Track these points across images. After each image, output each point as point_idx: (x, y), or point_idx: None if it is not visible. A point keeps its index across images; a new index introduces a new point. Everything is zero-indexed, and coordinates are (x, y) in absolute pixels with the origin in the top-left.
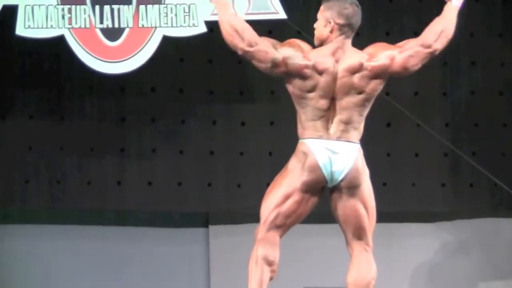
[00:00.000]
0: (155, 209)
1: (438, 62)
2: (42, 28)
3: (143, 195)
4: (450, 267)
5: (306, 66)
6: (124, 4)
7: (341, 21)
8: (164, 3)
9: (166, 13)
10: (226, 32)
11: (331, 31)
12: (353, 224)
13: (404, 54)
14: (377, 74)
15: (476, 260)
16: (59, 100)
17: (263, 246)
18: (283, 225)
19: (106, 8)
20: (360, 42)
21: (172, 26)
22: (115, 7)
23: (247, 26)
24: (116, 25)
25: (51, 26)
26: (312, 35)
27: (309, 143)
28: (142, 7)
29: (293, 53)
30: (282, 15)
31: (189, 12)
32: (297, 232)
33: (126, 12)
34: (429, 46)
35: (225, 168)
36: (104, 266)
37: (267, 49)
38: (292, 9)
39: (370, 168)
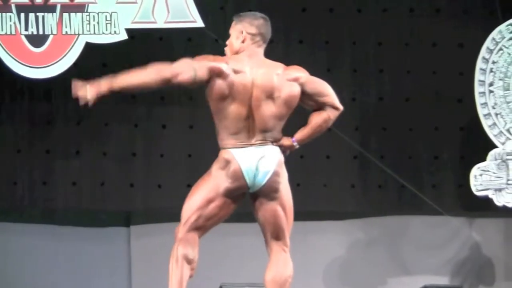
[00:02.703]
0: (79, 208)
1: (348, 69)
2: None
3: (67, 195)
4: (360, 262)
5: (221, 73)
6: (48, 12)
7: (252, 30)
8: (86, 11)
9: (89, 21)
10: (152, 85)
11: (243, 41)
12: (272, 225)
13: (309, 88)
14: (296, 81)
15: (384, 255)
16: None
17: (183, 246)
18: (203, 227)
19: (31, 15)
20: (274, 50)
21: (94, 34)
22: (40, 14)
23: (157, 66)
24: (41, 32)
25: None
26: None
27: (233, 151)
28: (65, 15)
29: (207, 63)
30: (200, 23)
31: (110, 20)
32: (214, 231)
33: (50, 19)
34: (309, 104)
35: (146, 169)
36: (27, 263)
37: (187, 71)
38: (210, 18)
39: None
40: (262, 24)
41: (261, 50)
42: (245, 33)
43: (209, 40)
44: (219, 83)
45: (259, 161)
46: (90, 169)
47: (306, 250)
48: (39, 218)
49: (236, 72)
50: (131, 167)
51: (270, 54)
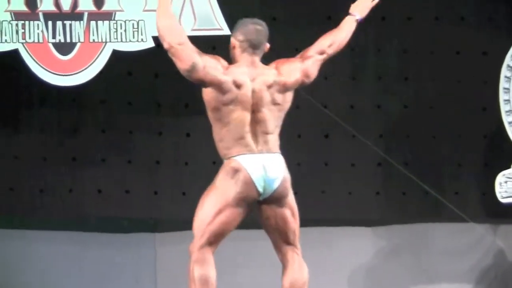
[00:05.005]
0: (104, 215)
1: (372, 77)
2: None
3: (93, 202)
4: (384, 269)
5: (225, 81)
6: (75, 20)
7: (240, 37)
8: (114, 19)
9: (116, 29)
10: (160, 25)
11: (234, 48)
12: (283, 230)
13: (306, 63)
14: (290, 87)
15: (408, 263)
16: (14, 111)
17: (199, 266)
18: (216, 241)
19: (59, 23)
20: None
21: (121, 41)
22: (67, 22)
23: (179, 26)
24: (68, 40)
25: (5, 41)
26: None
27: (240, 159)
28: (93, 22)
29: (214, 65)
30: (226, 31)
31: (137, 28)
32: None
33: (78, 27)
34: (323, 52)
35: (171, 177)
36: (54, 270)
37: (191, 53)
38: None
39: (310, 177)
40: (249, 30)
41: (256, 58)
42: (235, 40)
43: None
44: (218, 95)
45: (268, 167)
46: (115, 177)
47: (329, 257)
48: (65, 226)
49: (237, 83)
50: (156, 175)
51: (270, 59)
